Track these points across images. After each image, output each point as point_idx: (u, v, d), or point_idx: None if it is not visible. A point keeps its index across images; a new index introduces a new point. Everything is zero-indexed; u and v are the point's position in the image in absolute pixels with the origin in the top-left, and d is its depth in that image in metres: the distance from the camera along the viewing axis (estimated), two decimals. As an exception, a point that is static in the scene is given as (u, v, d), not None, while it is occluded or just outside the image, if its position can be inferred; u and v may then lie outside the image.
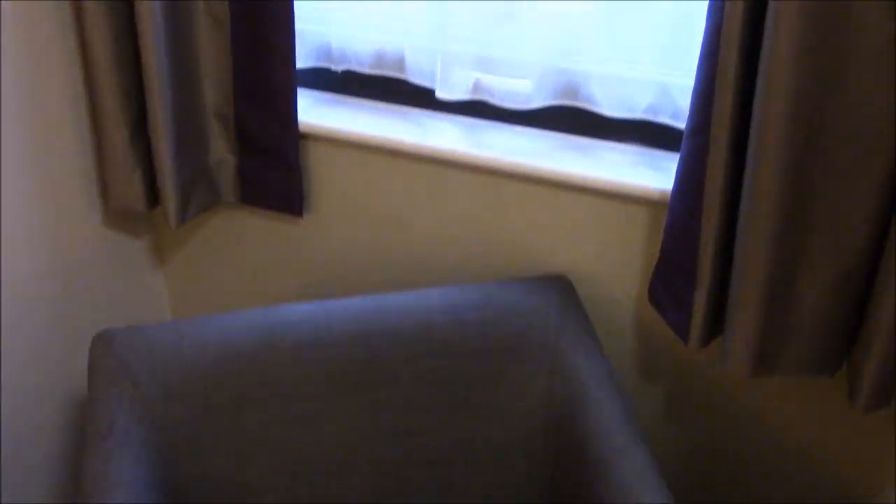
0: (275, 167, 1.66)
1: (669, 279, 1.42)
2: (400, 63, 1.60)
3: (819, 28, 1.10)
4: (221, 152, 1.69)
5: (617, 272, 1.55)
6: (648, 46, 1.42)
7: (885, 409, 1.46)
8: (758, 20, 1.16)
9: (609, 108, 1.47)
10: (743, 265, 1.26)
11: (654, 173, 1.46)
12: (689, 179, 1.31)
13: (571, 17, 1.43)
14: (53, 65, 1.56)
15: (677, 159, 1.35)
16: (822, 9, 1.09)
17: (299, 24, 1.59)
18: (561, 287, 1.50)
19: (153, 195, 1.68)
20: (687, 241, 1.35)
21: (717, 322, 1.38)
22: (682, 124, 1.43)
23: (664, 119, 1.46)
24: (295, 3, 1.52)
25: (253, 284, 1.90)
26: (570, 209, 1.53)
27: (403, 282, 1.74)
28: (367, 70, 1.64)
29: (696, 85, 1.26)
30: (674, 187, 1.36)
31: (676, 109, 1.44)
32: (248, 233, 1.84)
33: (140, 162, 1.63)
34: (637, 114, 1.47)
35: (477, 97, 1.56)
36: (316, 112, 1.65)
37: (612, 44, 1.44)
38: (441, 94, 1.55)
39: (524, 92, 1.52)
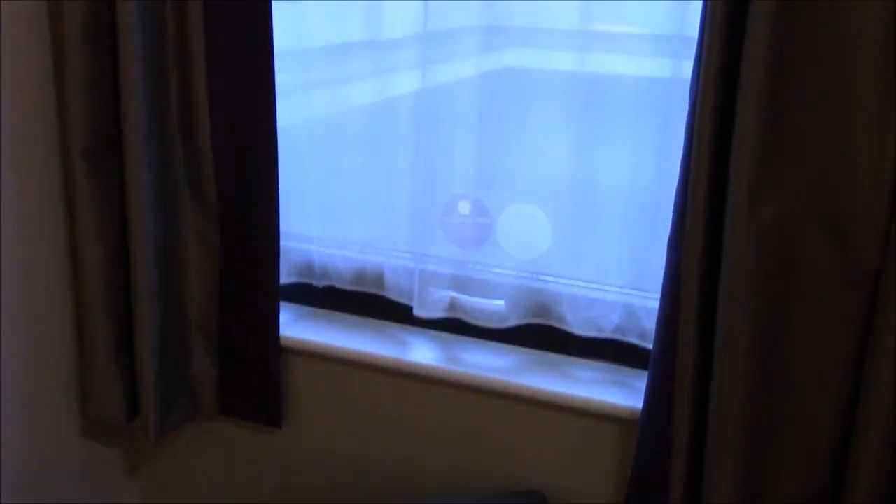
0: (255, 379, 1.69)
1: (643, 496, 1.44)
2: (379, 280, 1.68)
3: (769, 262, 1.19)
4: (203, 365, 1.72)
5: (590, 487, 1.57)
6: (614, 270, 1.51)
7: None
8: (716, 253, 1.25)
9: (578, 327, 1.55)
10: (712, 487, 1.29)
11: (624, 391, 1.51)
12: (657, 401, 1.37)
13: (542, 242, 1.53)
14: (44, 280, 1.61)
15: (645, 377, 1.41)
16: (770, 243, 1.19)
17: (283, 243, 1.67)
18: None
19: (133, 407, 1.70)
20: (658, 460, 1.38)
21: (691, 540, 1.40)
22: (648, 344, 1.49)
23: (632, 339, 1.53)
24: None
25: (228, 495, 1.89)
26: (543, 425, 1.57)
27: (379, 493, 1.74)
28: (347, 286, 1.71)
29: (659, 314, 1.34)
30: (643, 408, 1.41)
31: (643, 330, 1.51)
32: (224, 442, 1.84)
33: (122, 376, 1.66)
34: (606, 333, 1.54)
35: (453, 315, 1.63)
36: (297, 326, 1.70)
37: (580, 267, 1.53)
38: (419, 313, 1.62)
39: (498, 311, 1.59)
